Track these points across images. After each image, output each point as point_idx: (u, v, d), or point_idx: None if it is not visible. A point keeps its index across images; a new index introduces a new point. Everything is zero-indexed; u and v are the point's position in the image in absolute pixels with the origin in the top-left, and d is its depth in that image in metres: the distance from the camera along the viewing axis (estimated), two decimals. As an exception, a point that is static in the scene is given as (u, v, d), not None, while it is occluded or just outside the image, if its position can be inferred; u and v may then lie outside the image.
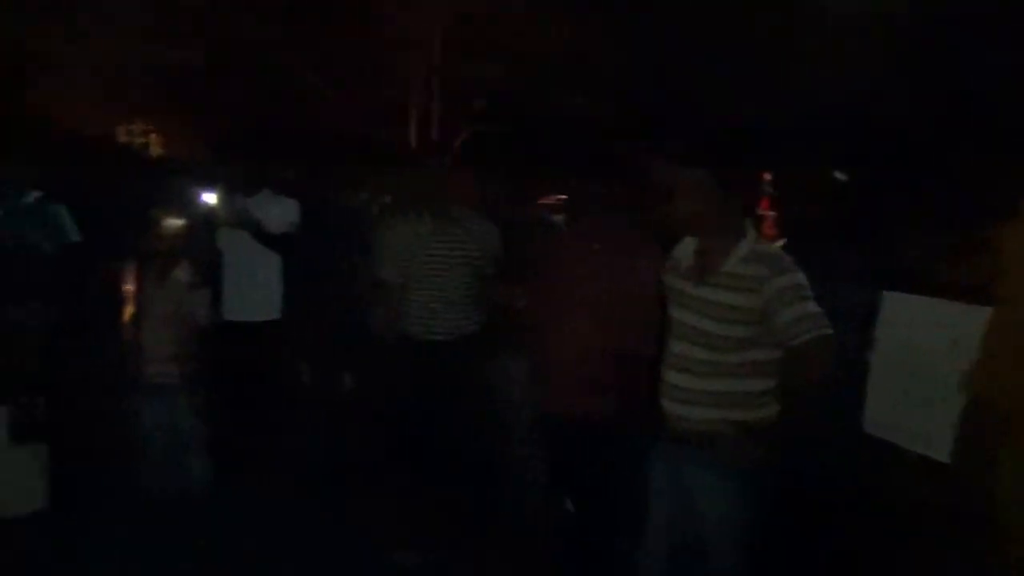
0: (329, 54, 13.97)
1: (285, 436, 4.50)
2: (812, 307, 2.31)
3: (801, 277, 2.34)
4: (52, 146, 5.14)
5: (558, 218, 4.95)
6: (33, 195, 3.97)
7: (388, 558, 3.60)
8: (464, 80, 14.44)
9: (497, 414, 4.04)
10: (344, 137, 13.59)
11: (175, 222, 3.87)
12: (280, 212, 4.40)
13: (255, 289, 4.35)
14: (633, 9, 12.55)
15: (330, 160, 5.02)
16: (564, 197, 5.42)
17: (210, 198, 4.35)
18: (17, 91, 11.86)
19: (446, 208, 3.85)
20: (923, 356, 3.02)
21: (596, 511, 3.21)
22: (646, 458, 2.66)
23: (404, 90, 14.92)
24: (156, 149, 15.89)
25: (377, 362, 4.01)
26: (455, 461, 3.77)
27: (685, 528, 2.53)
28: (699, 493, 2.46)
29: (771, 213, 4.97)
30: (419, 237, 3.81)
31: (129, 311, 3.80)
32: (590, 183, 3.47)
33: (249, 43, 13.32)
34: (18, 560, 2.83)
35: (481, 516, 3.86)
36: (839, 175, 4.18)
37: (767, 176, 4.88)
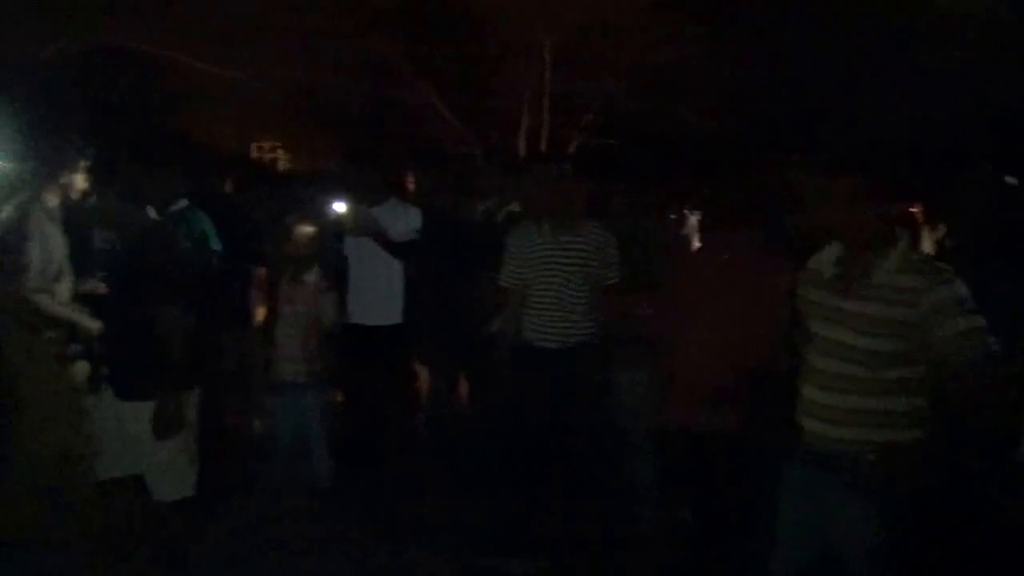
0: (447, 69, 14.32)
1: (403, 437, 4.62)
2: (975, 321, 2.13)
3: (962, 288, 2.17)
4: (195, 158, 5.46)
5: (680, 228, 4.89)
6: (179, 203, 4.22)
7: (500, 565, 3.63)
8: (577, 92, 14.49)
9: (611, 423, 4.02)
10: (462, 148, 13.89)
11: (307, 229, 4.05)
12: (405, 220, 4.52)
13: (379, 294, 4.48)
14: (761, 17, 12.25)
15: (452, 169, 5.12)
16: (687, 208, 5.37)
17: (339, 207, 4.51)
18: (168, 107, 12.76)
19: (565, 216, 3.87)
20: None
21: (716, 527, 3.14)
22: (777, 477, 2.55)
23: (518, 101, 15.10)
24: (287, 162, 16.67)
25: (494, 367, 4.05)
26: (565, 469, 3.77)
27: (818, 554, 2.39)
28: (839, 519, 2.31)
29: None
30: (538, 244, 3.85)
31: (264, 313, 3.99)
32: (715, 194, 3.42)
33: (372, 61, 13.82)
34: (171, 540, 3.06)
35: (592, 525, 3.83)
36: (1010, 179, 3.89)
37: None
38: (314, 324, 3.99)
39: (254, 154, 16.33)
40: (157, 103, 12.74)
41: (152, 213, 3.19)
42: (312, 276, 4.05)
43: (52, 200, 3.67)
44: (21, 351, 3.54)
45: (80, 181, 3.65)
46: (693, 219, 5.27)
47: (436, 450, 4.56)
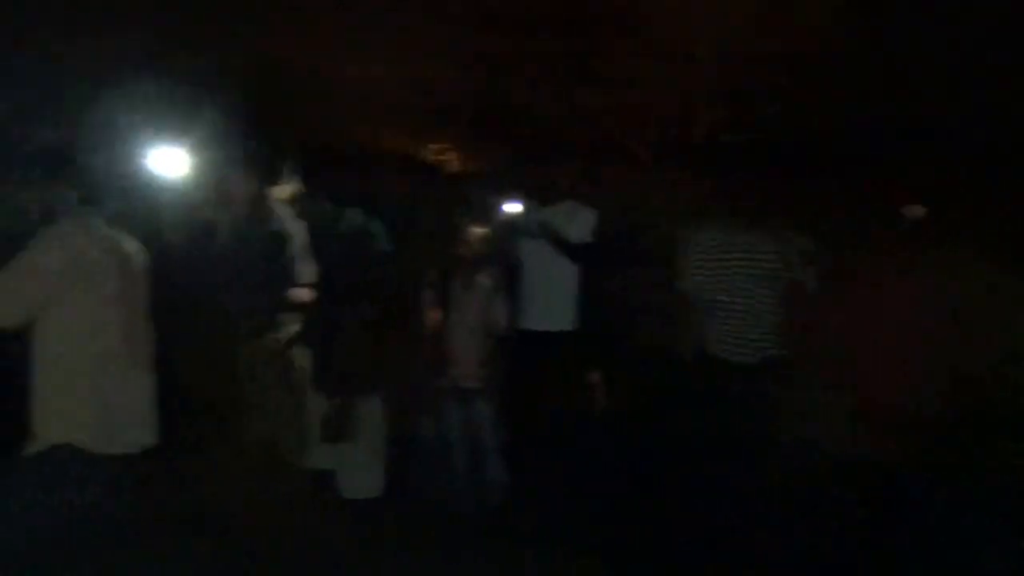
0: (610, 67, 14.14)
1: (575, 445, 4.50)
2: None
3: None
4: (368, 165, 5.63)
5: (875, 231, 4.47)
6: (351, 209, 4.31)
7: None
8: (748, 86, 13.88)
9: (799, 449, 3.72)
10: (630, 148, 13.63)
11: (480, 232, 4.01)
12: (581, 223, 4.40)
13: (553, 299, 4.38)
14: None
15: (625, 171, 4.97)
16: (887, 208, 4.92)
17: (513, 208, 4.46)
18: (337, 114, 13.37)
19: (751, 219, 3.61)
20: None
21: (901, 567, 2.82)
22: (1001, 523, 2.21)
23: (690, 99, 14.67)
24: (459, 163, 17.07)
25: (674, 380, 3.86)
26: (744, 494, 3.52)
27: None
28: None
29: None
30: (724, 249, 3.60)
31: (436, 318, 3.99)
32: (917, 194, 3.10)
33: (536, 60, 13.87)
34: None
35: (765, 550, 3.56)
36: None
37: None
38: (486, 329, 3.93)
39: (425, 156, 16.81)
40: (326, 111, 13.36)
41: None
42: (484, 280, 4.00)
43: (286, 200, 3.85)
44: (256, 345, 3.75)
45: (295, 185, 3.81)
46: (890, 220, 4.82)
47: (608, 460, 4.42)
